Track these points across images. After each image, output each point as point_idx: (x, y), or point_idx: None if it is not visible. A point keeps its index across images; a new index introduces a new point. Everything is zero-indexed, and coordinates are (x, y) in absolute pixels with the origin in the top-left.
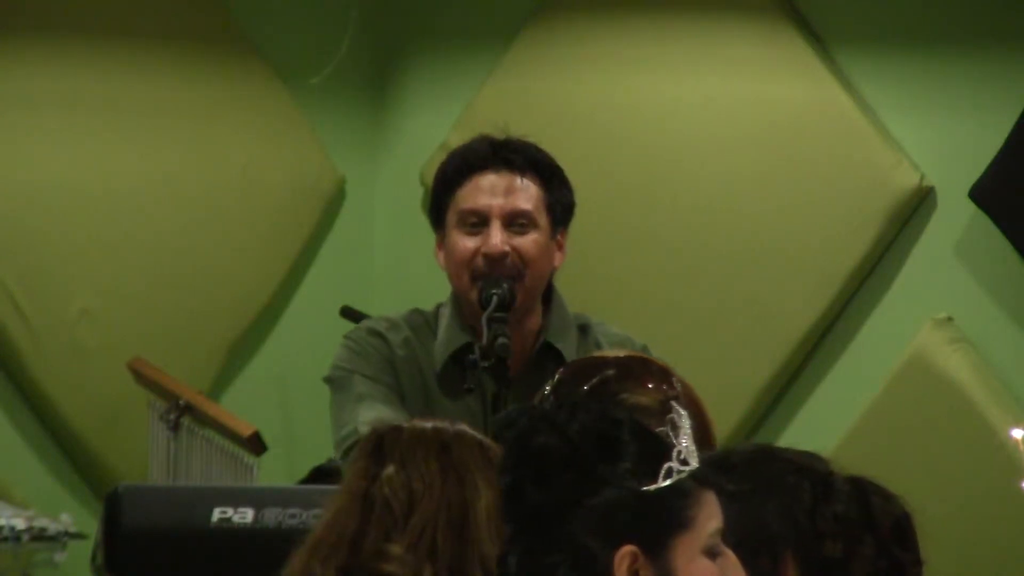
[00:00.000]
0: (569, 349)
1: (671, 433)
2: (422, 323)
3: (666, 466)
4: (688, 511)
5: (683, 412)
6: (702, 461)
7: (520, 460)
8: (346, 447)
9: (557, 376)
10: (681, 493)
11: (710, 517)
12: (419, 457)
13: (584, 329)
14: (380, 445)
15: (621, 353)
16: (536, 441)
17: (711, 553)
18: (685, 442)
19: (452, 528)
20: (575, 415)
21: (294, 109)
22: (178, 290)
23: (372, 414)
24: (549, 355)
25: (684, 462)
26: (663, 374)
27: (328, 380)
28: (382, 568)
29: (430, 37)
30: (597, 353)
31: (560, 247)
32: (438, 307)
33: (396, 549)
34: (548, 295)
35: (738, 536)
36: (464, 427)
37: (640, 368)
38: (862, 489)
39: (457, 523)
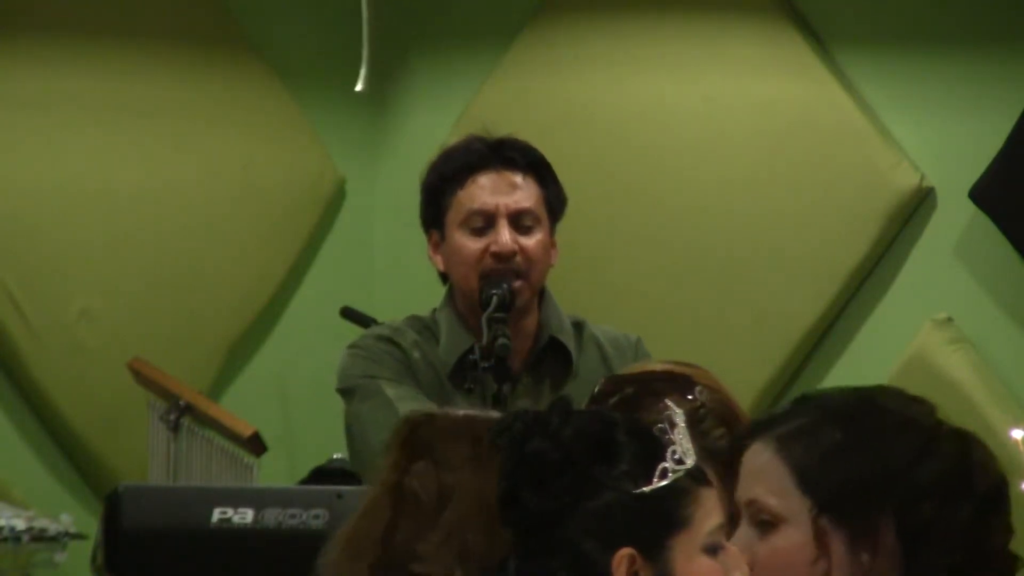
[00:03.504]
0: (571, 344)
1: (667, 432)
2: (423, 328)
3: (661, 466)
4: (685, 510)
5: (679, 411)
6: (796, 409)
7: (515, 466)
8: None
9: (597, 389)
10: (678, 492)
11: (709, 515)
12: (451, 449)
13: (578, 326)
14: (412, 436)
15: (658, 366)
16: (530, 447)
17: (711, 550)
18: (681, 439)
19: (484, 524)
20: (568, 419)
21: (294, 109)
22: (178, 290)
23: (415, 405)
24: (552, 351)
25: (679, 461)
26: (685, 386)
27: (346, 391)
28: (412, 567)
29: (430, 37)
30: (636, 366)
31: (554, 244)
32: (434, 312)
33: (427, 547)
34: (540, 293)
35: (833, 492)
36: (497, 415)
37: (661, 384)
38: (966, 447)
39: (489, 518)
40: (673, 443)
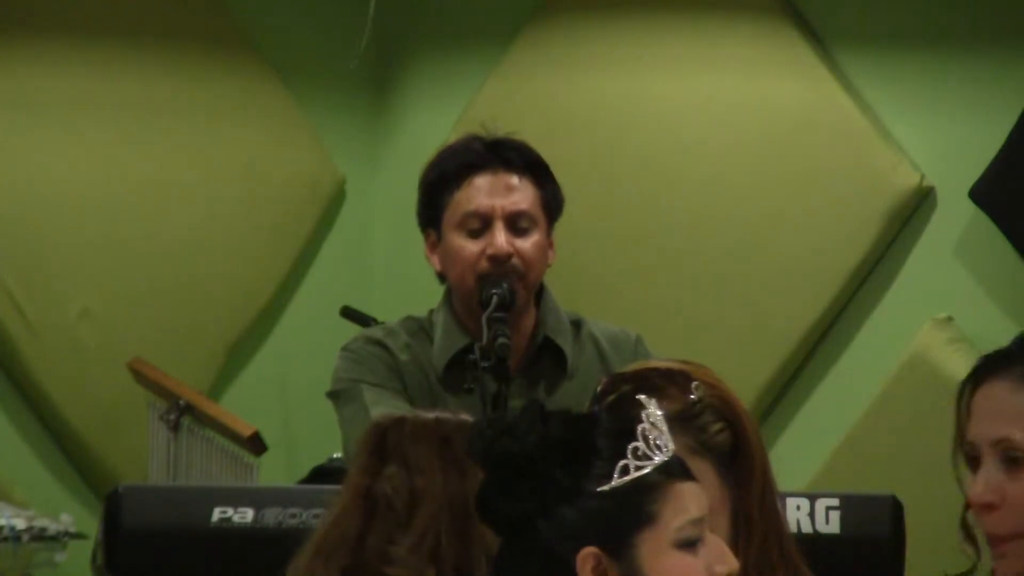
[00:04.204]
0: (567, 344)
1: (632, 429)
2: (418, 329)
3: (620, 463)
4: (650, 506)
5: (648, 406)
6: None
7: (486, 470)
8: None
9: (599, 388)
10: (643, 489)
11: (680, 509)
12: (420, 452)
13: (577, 325)
14: (382, 440)
15: (662, 364)
16: (495, 451)
17: (686, 545)
18: (648, 434)
19: (455, 526)
20: (536, 424)
21: (295, 109)
22: (178, 290)
23: (388, 410)
24: (547, 351)
25: (642, 457)
26: (683, 381)
27: (332, 394)
28: (385, 570)
29: (430, 37)
30: (636, 364)
31: (551, 245)
32: (431, 313)
33: (399, 551)
34: (538, 292)
35: None
36: (466, 417)
37: (659, 380)
38: None
39: (460, 520)
40: (636, 439)
